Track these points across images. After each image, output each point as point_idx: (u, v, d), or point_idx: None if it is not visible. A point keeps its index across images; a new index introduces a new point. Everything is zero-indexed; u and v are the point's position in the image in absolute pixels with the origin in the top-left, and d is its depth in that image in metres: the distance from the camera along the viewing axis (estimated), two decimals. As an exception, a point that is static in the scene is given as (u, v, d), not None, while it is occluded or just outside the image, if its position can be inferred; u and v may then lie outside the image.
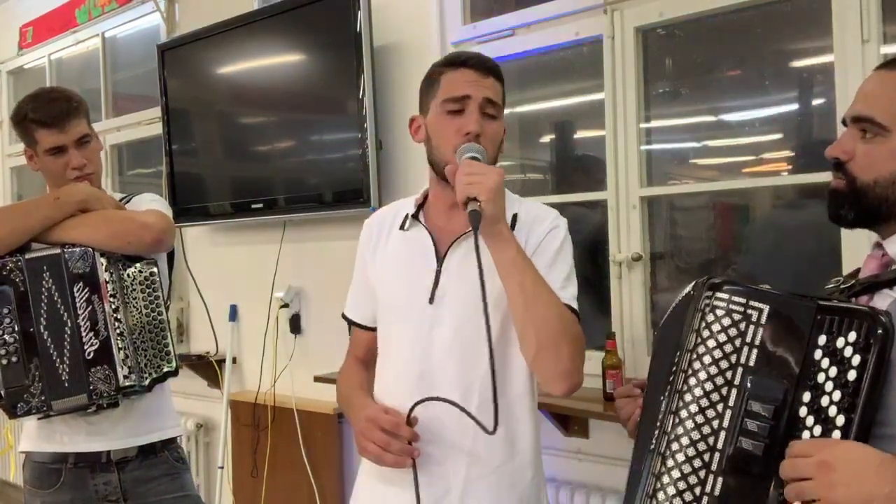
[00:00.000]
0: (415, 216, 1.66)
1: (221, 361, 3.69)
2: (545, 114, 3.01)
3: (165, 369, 1.99)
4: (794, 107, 2.41)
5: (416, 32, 3.00)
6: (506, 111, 2.98)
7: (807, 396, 1.09)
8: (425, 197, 1.69)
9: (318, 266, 3.31)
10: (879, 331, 1.06)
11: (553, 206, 2.84)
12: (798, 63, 2.40)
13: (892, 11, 2.05)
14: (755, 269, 2.48)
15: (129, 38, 4.42)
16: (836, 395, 1.06)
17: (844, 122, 1.25)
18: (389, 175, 2.98)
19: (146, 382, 1.95)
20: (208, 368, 3.70)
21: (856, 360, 1.06)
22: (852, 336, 1.08)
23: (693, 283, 1.25)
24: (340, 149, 3.11)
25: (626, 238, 2.54)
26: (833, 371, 1.08)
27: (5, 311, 1.85)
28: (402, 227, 1.67)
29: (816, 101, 2.32)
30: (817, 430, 1.07)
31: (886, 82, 1.20)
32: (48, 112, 1.97)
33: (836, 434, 1.05)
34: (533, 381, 1.61)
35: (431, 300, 1.57)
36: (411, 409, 1.48)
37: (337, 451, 3.20)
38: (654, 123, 2.58)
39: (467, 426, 1.48)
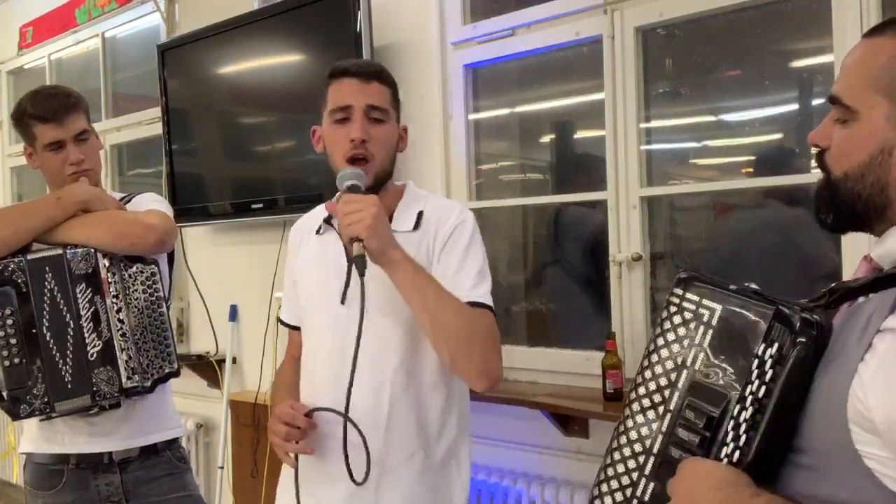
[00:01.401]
0: (328, 221, 1.72)
1: (221, 361, 3.69)
2: (545, 114, 3.02)
3: (167, 370, 1.98)
4: (794, 107, 2.41)
5: (416, 32, 3.00)
6: (506, 111, 3.03)
7: (736, 409, 0.99)
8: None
9: (319, 266, 3.31)
10: (799, 340, 0.95)
11: (553, 206, 2.89)
12: (798, 63, 2.40)
13: (893, 11, 2.05)
14: (753, 269, 2.48)
15: (129, 38, 4.42)
16: (749, 412, 0.97)
17: None
18: (389, 175, 2.98)
19: (148, 383, 1.95)
20: (208, 368, 3.70)
21: (769, 375, 0.97)
22: (775, 347, 0.97)
23: None
24: (340, 149, 3.10)
25: (626, 238, 2.54)
26: (756, 384, 0.98)
27: (7, 311, 1.84)
28: (317, 232, 1.74)
29: (816, 101, 2.32)
30: (731, 447, 0.98)
31: (855, 53, 1.03)
32: (47, 107, 1.97)
33: (737, 455, 0.97)
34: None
35: (343, 301, 1.62)
36: (311, 411, 1.57)
37: (337, 450, 3.19)
38: (654, 123, 2.58)
39: (381, 416, 1.58)
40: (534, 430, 2.66)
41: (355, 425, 1.51)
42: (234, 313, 3.70)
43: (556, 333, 3.00)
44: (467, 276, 1.59)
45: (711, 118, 2.60)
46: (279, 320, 1.89)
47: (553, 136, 3.03)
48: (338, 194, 1.63)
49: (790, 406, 0.95)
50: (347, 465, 1.50)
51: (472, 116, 2.97)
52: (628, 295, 2.54)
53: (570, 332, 2.92)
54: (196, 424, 3.83)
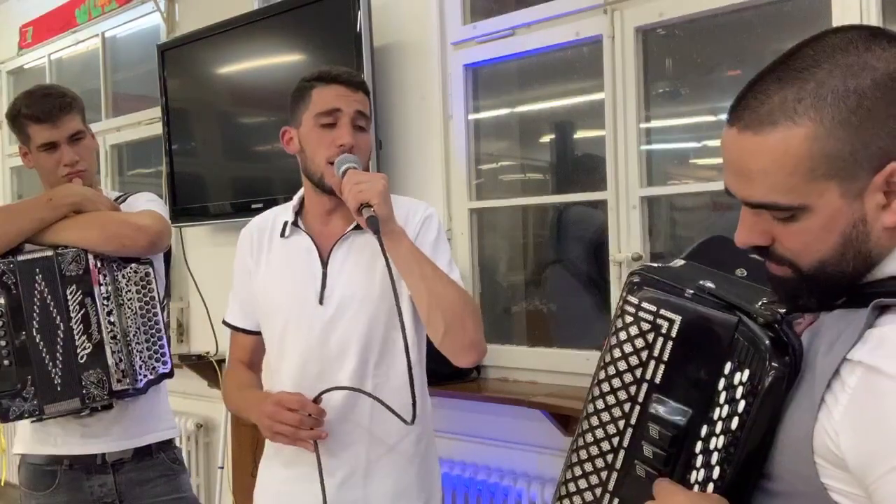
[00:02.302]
0: (294, 223, 1.74)
1: (221, 361, 3.67)
2: (545, 114, 3.01)
3: (161, 371, 1.98)
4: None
5: (416, 32, 2.99)
6: (506, 111, 3.02)
7: (704, 431, 0.95)
8: (301, 204, 1.78)
9: (318, 266, 3.30)
10: (770, 373, 0.89)
11: (553, 206, 2.89)
12: (798, 63, 2.39)
13: (892, 11, 2.04)
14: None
15: (129, 38, 4.42)
16: (721, 441, 0.93)
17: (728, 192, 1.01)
18: (389, 175, 2.96)
19: (141, 385, 1.94)
20: (208, 368, 3.69)
21: (741, 405, 0.91)
22: (746, 373, 0.91)
23: None
24: (340, 149, 3.10)
25: (626, 238, 2.53)
26: (725, 410, 0.93)
27: (-3, 314, 1.85)
28: (282, 235, 1.75)
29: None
30: (701, 474, 0.94)
31: (757, 151, 0.93)
32: (41, 108, 1.97)
33: (710, 487, 0.93)
34: (419, 364, 1.70)
35: (321, 301, 1.65)
36: (320, 394, 1.57)
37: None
38: (654, 123, 2.57)
39: (364, 412, 1.62)
40: (534, 430, 2.65)
41: (388, 407, 1.54)
42: (233, 313, 3.69)
43: (557, 333, 2.99)
44: (441, 262, 1.64)
45: (711, 118, 2.59)
46: (224, 323, 1.85)
47: (553, 136, 3.02)
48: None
49: (764, 435, 0.92)
50: (392, 410, 1.53)
51: (472, 116, 2.97)
52: (628, 296, 2.53)
53: (571, 332, 2.91)
54: (196, 424, 3.83)
